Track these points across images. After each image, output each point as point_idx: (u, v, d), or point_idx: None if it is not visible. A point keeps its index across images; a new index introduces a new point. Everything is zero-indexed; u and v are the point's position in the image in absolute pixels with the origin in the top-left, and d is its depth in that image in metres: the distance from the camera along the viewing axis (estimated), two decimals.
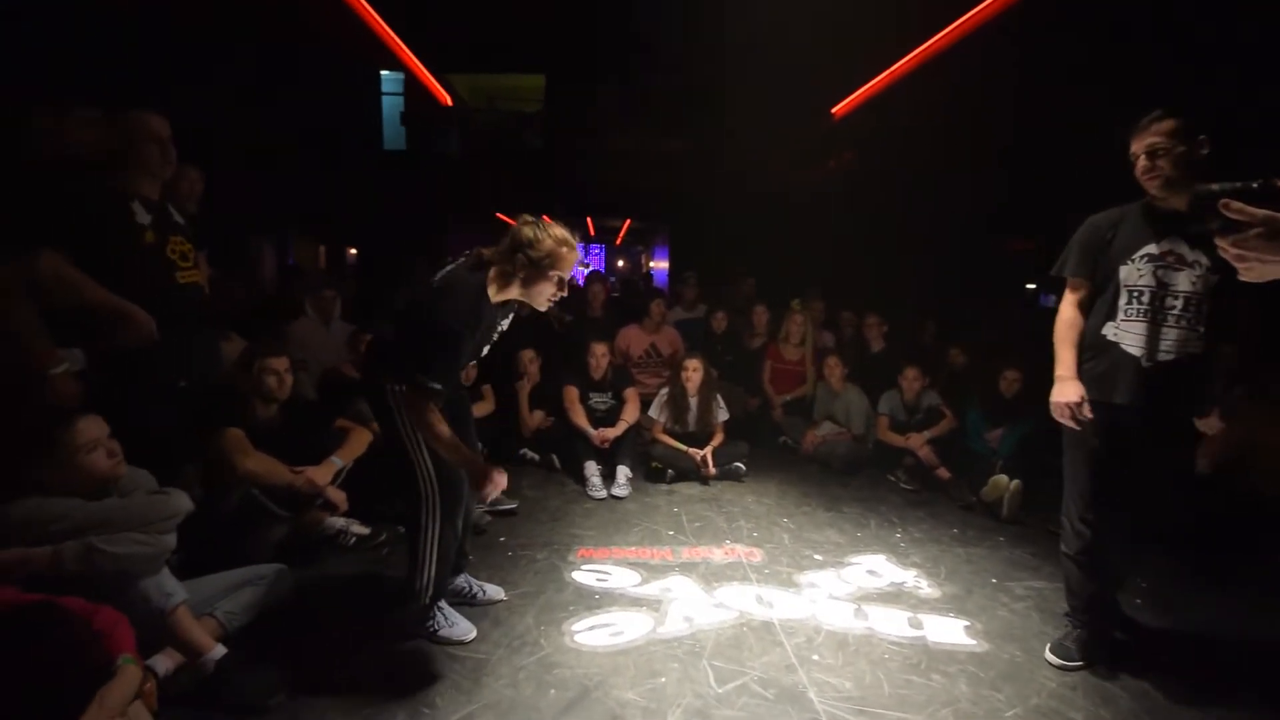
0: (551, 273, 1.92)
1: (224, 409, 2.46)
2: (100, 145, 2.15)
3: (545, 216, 1.98)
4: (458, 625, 2.13)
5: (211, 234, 2.55)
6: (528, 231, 1.89)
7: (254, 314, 4.01)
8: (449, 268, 1.99)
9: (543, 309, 2.03)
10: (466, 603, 2.32)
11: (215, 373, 2.51)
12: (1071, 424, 2.00)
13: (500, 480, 1.90)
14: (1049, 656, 2.13)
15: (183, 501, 1.78)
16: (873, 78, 6.44)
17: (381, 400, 1.94)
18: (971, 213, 7.37)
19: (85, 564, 1.57)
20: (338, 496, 2.61)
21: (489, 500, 1.91)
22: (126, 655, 1.35)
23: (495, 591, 2.41)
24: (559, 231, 1.92)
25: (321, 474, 2.56)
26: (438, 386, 1.79)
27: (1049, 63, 5.96)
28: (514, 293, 1.96)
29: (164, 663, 1.77)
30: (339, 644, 2.08)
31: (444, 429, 1.83)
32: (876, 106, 6.76)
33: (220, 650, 1.79)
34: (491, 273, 1.92)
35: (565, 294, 2.00)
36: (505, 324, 2.09)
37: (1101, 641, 2.14)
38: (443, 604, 2.14)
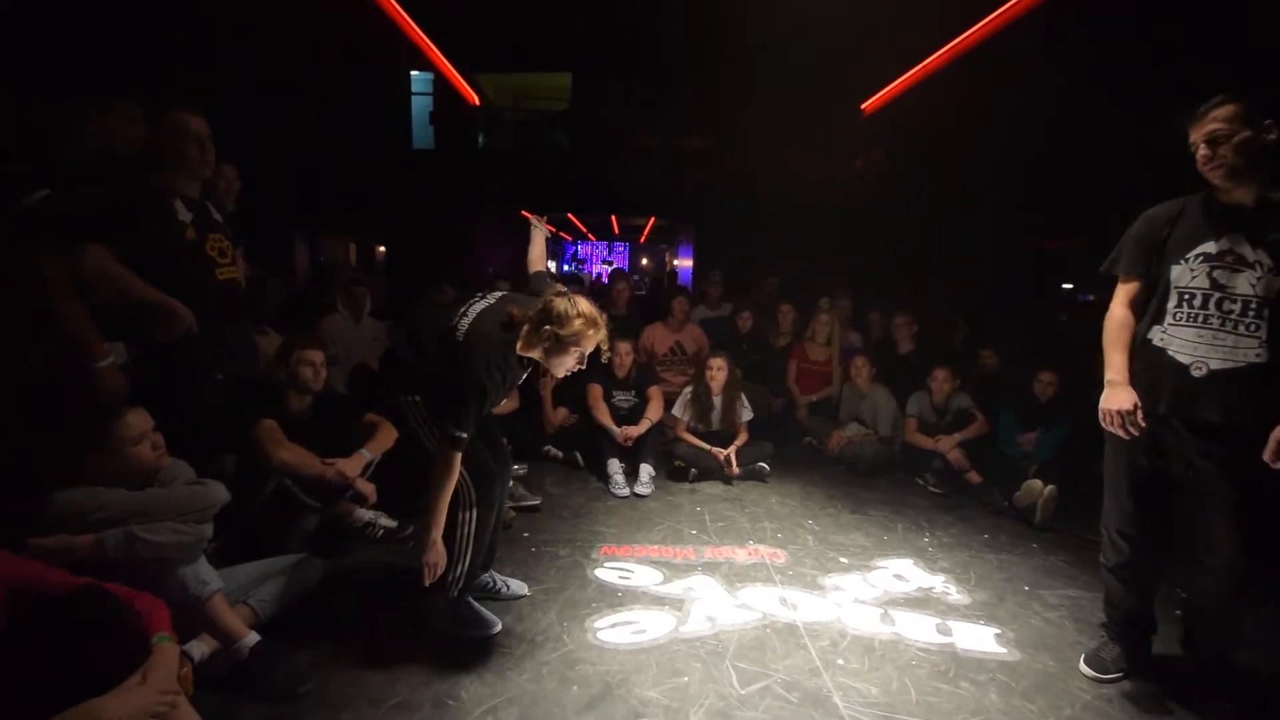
0: (573, 349, 1.98)
1: (259, 401, 2.53)
2: (142, 143, 2.22)
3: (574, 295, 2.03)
4: (482, 619, 2.16)
5: (249, 231, 2.61)
6: (559, 306, 1.94)
7: (288, 310, 4.11)
8: (477, 308, 2.03)
9: (560, 376, 2.09)
10: (490, 597, 2.35)
11: (251, 367, 2.57)
12: (1122, 433, 1.86)
13: (438, 567, 1.95)
14: (1083, 668, 2.06)
15: (220, 492, 1.83)
16: (903, 73, 6.33)
17: (396, 409, 2.06)
18: (1003, 211, 7.18)
19: (126, 551, 1.62)
20: (367, 488, 2.66)
21: (427, 582, 1.99)
22: (162, 634, 1.39)
23: (519, 587, 2.43)
24: (588, 309, 1.97)
25: (351, 466, 2.61)
26: (464, 435, 1.86)
27: (1081, 60, 5.77)
28: (537, 355, 2.03)
29: (199, 648, 1.83)
30: (367, 634, 2.12)
31: (449, 486, 1.90)
32: (905, 104, 6.64)
33: (254, 637, 1.84)
34: (522, 332, 1.98)
35: (584, 367, 2.07)
36: (522, 377, 2.16)
37: (1139, 655, 2.06)
38: (468, 598, 2.17)
